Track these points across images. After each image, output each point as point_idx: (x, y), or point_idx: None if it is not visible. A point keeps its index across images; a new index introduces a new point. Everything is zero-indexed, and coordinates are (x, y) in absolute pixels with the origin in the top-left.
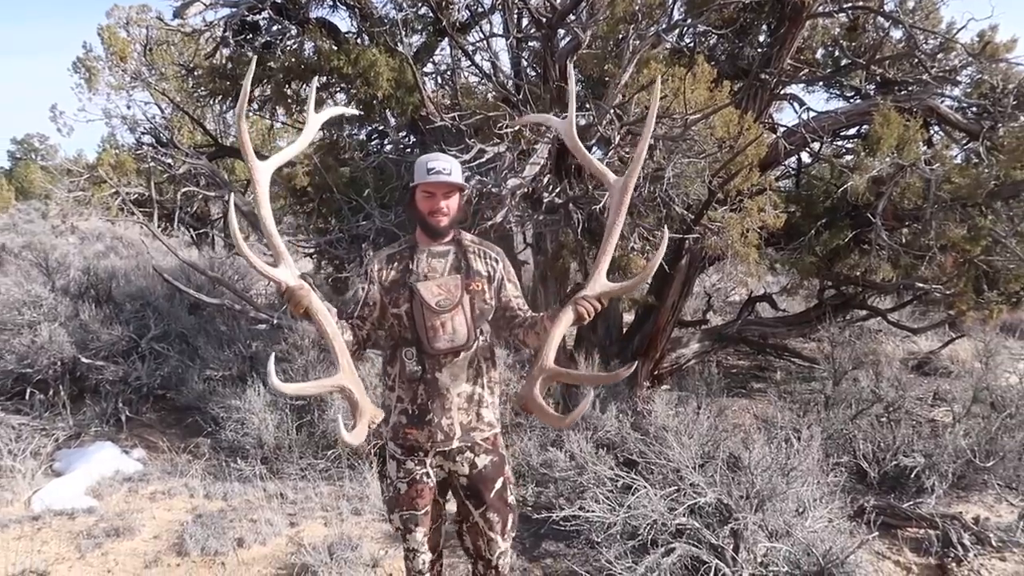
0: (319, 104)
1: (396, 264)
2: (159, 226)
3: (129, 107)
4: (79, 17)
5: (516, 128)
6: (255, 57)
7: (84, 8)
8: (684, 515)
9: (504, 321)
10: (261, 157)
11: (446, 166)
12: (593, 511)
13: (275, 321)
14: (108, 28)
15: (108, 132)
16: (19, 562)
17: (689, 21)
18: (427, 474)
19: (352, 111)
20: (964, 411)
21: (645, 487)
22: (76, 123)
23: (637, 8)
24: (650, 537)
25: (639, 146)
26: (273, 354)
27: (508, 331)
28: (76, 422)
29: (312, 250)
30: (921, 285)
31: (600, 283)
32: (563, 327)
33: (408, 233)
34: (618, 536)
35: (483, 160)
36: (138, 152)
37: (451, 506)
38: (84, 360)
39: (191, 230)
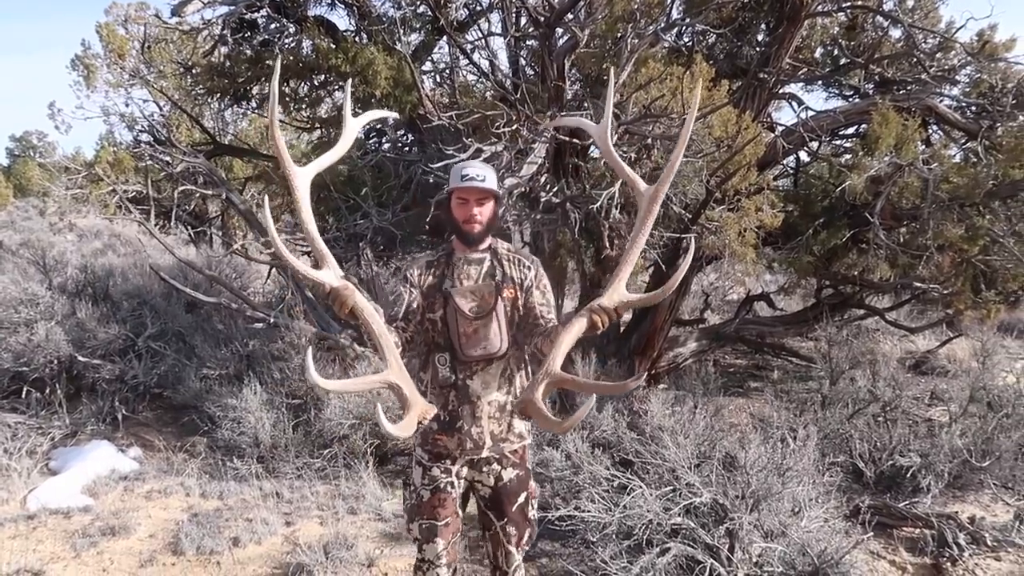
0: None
1: (434, 270)
2: (157, 224)
3: (127, 105)
4: (79, 14)
5: (513, 127)
6: (279, 57)
7: (84, 5)
8: (679, 515)
9: (528, 328)
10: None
11: (480, 173)
12: (588, 511)
13: (272, 320)
14: (107, 26)
15: (106, 130)
16: (14, 561)
17: (687, 20)
18: (452, 483)
19: (393, 115)
20: (961, 411)
21: (641, 487)
22: (74, 120)
23: (636, 7)
24: (645, 537)
25: (673, 155)
26: (310, 348)
27: (530, 339)
28: (72, 421)
29: (309, 249)
30: (919, 284)
31: (619, 293)
32: (575, 334)
33: (407, 232)
34: (613, 536)
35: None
36: (136, 150)
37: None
38: (81, 359)
39: (189, 228)
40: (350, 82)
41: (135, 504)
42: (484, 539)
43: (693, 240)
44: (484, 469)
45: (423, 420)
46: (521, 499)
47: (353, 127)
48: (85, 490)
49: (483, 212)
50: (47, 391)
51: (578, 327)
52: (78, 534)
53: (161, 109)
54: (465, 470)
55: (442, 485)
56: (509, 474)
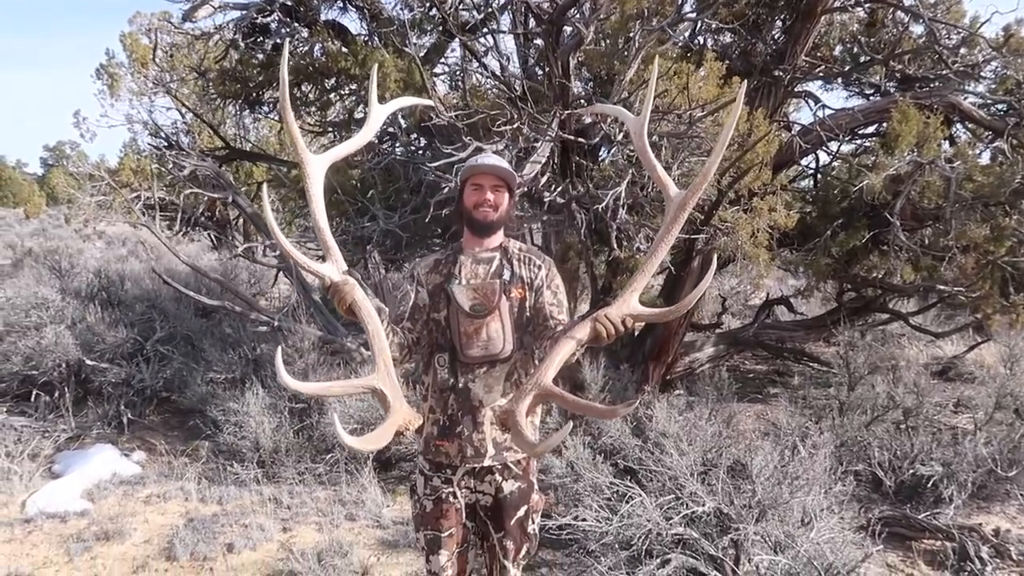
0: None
1: (441, 268)
2: (181, 230)
3: (151, 112)
4: (108, 28)
5: (515, 125)
6: (287, 41)
7: (115, 19)
8: (681, 524)
9: (538, 331)
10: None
11: (495, 161)
12: (586, 520)
13: (276, 323)
14: (130, 35)
15: (130, 137)
16: (6, 565)
17: (696, 16)
18: (453, 494)
19: (426, 101)
20: (987, 418)
21: (640, 495)
22: (99, 128)
23: (647, 5)
24: (645, 547)
25: (707, 163)
26: (280, 347)
27: (539, 342)
28: (78, 424)
29: (320, 252)
30: (943, 288)
31: (630, 304)
32: (573, 345)
33: (415, 235)
34: (615, 545)
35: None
36: (145, 154)
37: None
38: (89, 362)
39: (211, 234)
40: (376, 68)
41: (133, 509)
42: (482, 549)
43: (715, 258)
44: (485, 479)
45: (405, 431)
46: (521, 512)
47: (379, 114)
48: (85, 494)
49: (498, 200)
50: (56, 395)
51: (579, 336)
52: (73, 539)
53: (183, 116)
54: (466, 479)
55: (444, 495)
56: (510, 486)
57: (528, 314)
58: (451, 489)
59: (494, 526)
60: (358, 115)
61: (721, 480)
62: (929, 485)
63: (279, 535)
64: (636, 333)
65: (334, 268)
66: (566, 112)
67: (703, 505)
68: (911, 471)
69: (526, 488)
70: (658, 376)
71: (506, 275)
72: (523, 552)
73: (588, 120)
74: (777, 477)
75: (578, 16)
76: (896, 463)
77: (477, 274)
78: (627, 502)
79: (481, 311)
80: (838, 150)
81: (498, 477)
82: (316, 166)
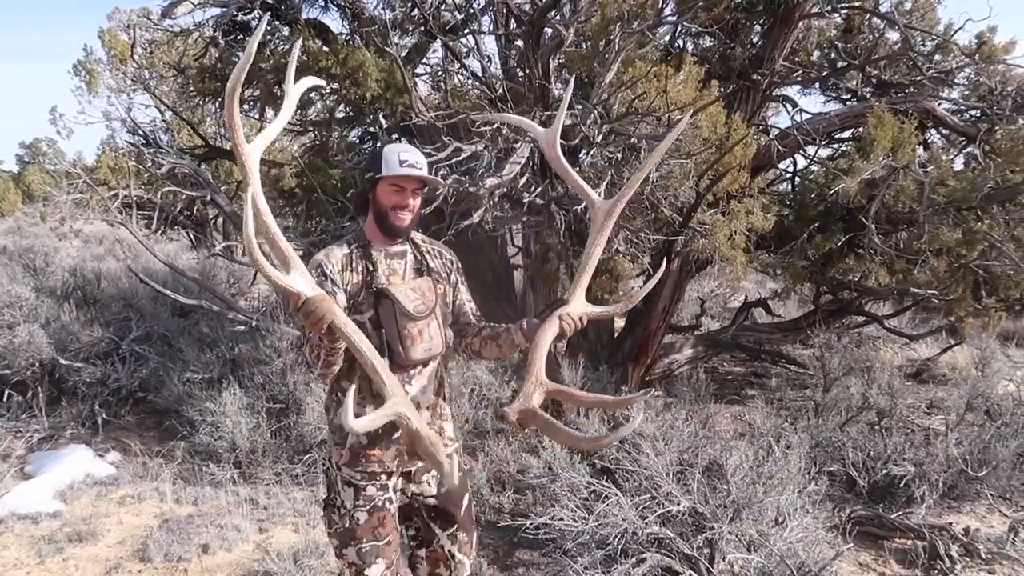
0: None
1: (355, 266)
2: (159, 228)
3: (130, 109)
4: (88, 23)
5: (495, 126)
6: (265, 18)
7: (93, 14)
8: (656, 524)
9: (459, 327)
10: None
11: (419, 160)
12: (562, 520)
13: (253, 323)
14: (109, 31)
15: (108, 135)
16: None
17: (676, 19)
18: (390, 499)
19: (320, 82)
20: (958, 419)
21: (617, 495)
22: (76, 125)
23: (627, 8)
24: (620, 546)
25: (636, 174)
26: (353, 387)
27: (460, 339)
28: (51, 424)
29: (300, 253)
30: (916, 290)
31: (580, 304)
32: (548, 339)
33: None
34: (591, 545)
35: (460, 159)
36: (121, 151)
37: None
38: (63, 362)
39: (190, 232)
40: (297, 44)
41: (107, 510)
42: (417, 560)
43: (664, 264)
44: (423, 478)
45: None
46: (465, 501)
47: (295, 93)
48: (57, 495)
49: (416, 203)
50: (28, 394)
51: (551, 332)
52: (44, 540)
53: (162, 113)
54: (402, 483)
55: (380, 503)
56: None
57: (448, 309)
58: (387, 495)
59: (443, 524)
60: (339, 114)
61: (697, 480)
62: (901, 485)
63: (255, 536)
64: (616, 334)
65: (304, 281)
66: (546, 113)
67: (679, 504)
68: (884, 471)
69: (462, 476)
70: (637, 377)
71: (423, 270)
72: (475, 542)
73: (568, 121)
74: (752, 477)
75: (559, 18)
76: (869, 463)
77: (395, 270)
78: (603, 501)
79: (424, 312)
80: (815, 154)
81: (435, 472)
82: (252, 156)
